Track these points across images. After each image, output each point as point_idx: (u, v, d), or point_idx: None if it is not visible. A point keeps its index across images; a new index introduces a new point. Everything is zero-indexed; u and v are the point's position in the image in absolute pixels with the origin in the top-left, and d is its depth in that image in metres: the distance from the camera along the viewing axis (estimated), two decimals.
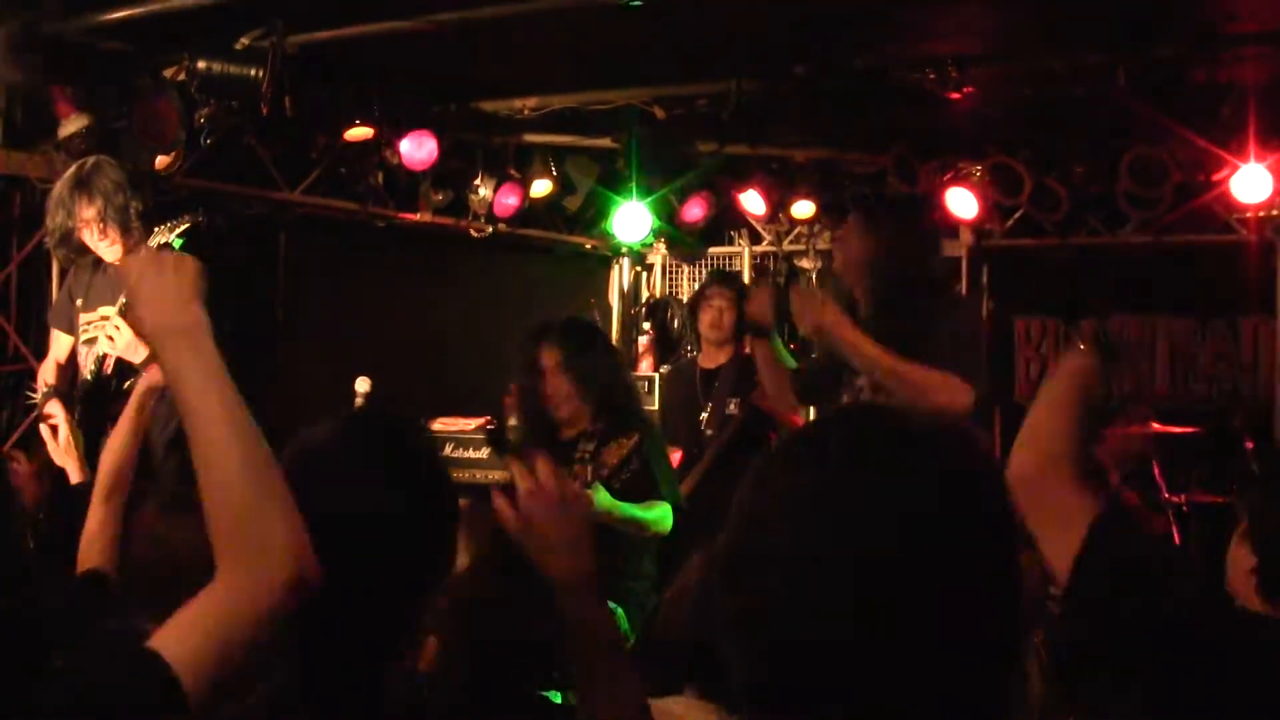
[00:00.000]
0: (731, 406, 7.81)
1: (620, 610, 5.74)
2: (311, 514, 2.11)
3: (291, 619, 2.25)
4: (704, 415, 7.93)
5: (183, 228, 6.04)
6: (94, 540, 4.24)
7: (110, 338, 6.08)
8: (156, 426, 5.91)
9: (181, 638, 1.96)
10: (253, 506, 2.06)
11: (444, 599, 3.03)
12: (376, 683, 2.34)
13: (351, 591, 2.26)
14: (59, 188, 6.31)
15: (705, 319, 8.09)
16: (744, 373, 7.87)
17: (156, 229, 6.09)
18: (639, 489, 5.84)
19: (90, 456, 5.97)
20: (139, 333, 2.29)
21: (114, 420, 5.66)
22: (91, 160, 6.28)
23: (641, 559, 6.18)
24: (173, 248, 6.06)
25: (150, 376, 5.11)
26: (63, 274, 7.11)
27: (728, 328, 8.06)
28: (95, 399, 6.15)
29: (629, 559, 6.09)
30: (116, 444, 4.59)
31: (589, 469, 5.64)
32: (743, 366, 7.94)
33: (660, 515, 6.00)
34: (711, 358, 8.13)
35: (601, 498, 5.57)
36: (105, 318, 6.15)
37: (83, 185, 6.18)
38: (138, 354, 6.00)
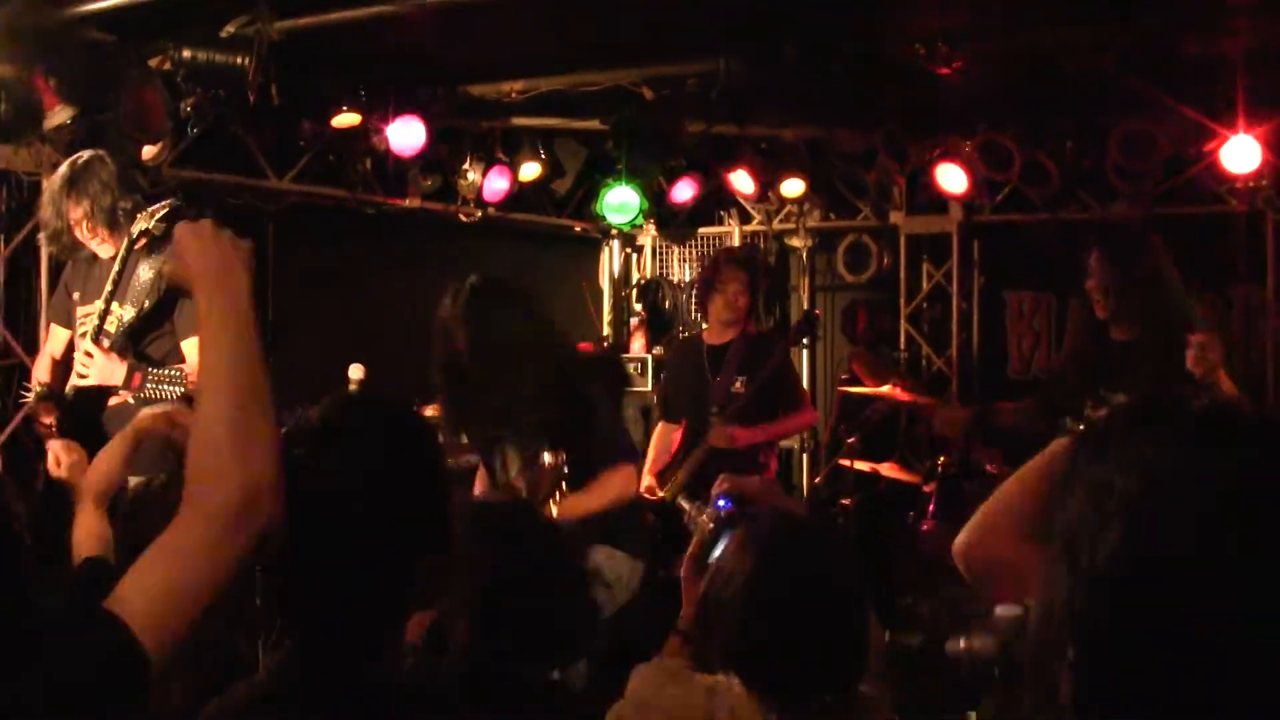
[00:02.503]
0: (738, 384, 7.75)
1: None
2: (309, 490, 2.12)
3: (293, 594, 2.26)
4: (711, 392, 7.88)
5: (162, 212, 6.03)
6: (87, 543, 4.21)
7: (85, 361, 6.08)
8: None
9: (140, 592, 1.95)
10: (225, 437, 2.07)
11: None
12: (377, 656, 2.35)
13: (350, 566, 2.28)
14: (51, 185, 6.30)
15: (719, 300, 7.98)
16: (751, 351, 7.84)
17: (139, 216, 6.09)
18: (584, 472, 5.77)
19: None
20: (179, 277, 2.35)
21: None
22: (84, 157, 6.25)
23: (623, 514, 6.03)
24: (154, 234, 6.07)
25: (151, 416, 5.09)
26: (52, 267, 7.09)
27: (742, 309, 7.98)
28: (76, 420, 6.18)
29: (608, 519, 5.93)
30: (111, 463, 4.56)
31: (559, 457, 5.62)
32: (750, 344, 7.90)
33: (619, 486, 5.89)
34: (718, 334, 8.04)
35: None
36: (98, 310, 6.16)
37: (72, 184, 6.17)
38: (114, 378, 6.00)
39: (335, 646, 2.33)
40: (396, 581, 2.37)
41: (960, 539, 2.62)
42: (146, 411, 4.96)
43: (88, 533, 4.21)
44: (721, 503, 3.49)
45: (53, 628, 1.92)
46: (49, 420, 6.19)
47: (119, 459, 4.56)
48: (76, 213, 6.16)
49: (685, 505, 3.58)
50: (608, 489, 5.85)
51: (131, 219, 6.12)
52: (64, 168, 6.26)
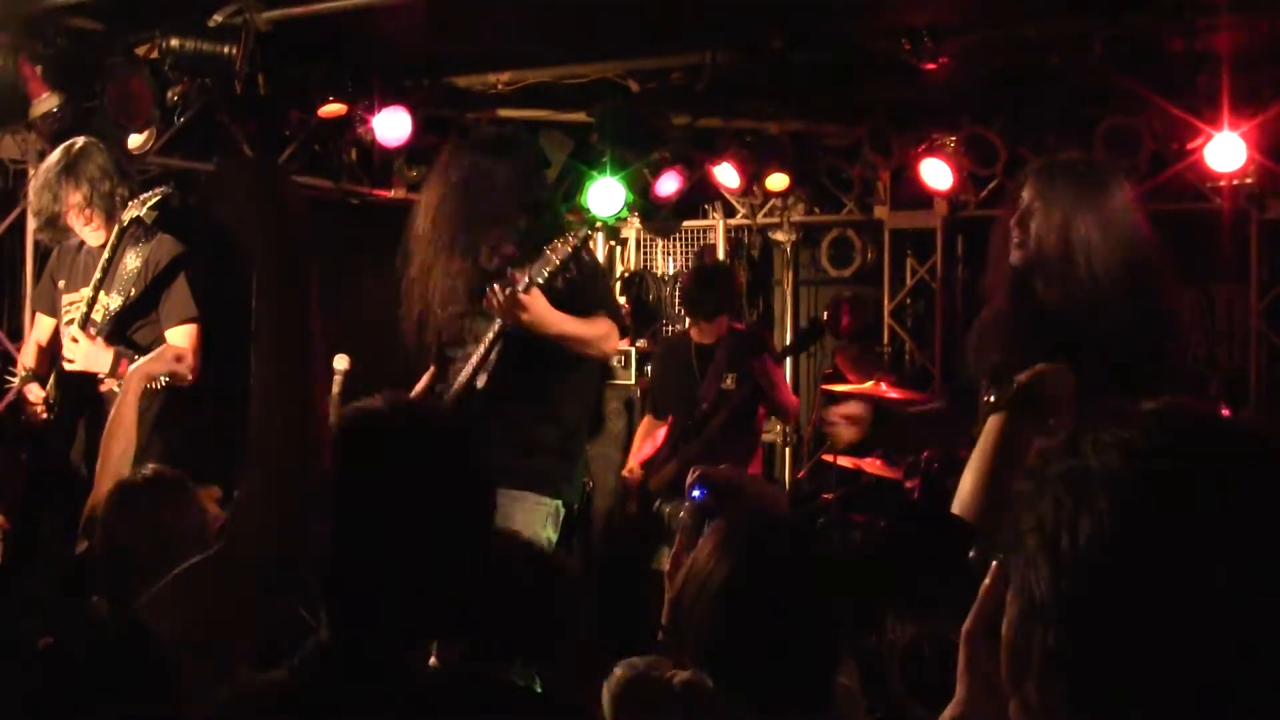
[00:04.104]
0: (728, 381, 7.82)
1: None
2: (353, 493, 2.12)
3: (329, 588, 2.26)
4: (700, 389, 7.91)
5: (154, 200, 6.03)
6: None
7: (72, 347, 6.08)
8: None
9: (169, 603, 1.92)
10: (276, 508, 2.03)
11: None
12: (410, 658, 2.35)
13: (388, 567, 2.28)
14: (46, 170, 6.27)
15: (694, 332, 8.14)
16: (739, 347, 7.90)
17: (129, 203, 6.09)
18: (581, 297, 5.60)
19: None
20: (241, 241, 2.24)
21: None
22: (80, 143, 6.24)
23: (562, 403, 5.86)
24: (145, 222, 6.06)
25: (143, 367, 5.09)
26: (38, 254, 7.08)
27: (721, 328, 8.18)
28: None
29: (546, 400, 5.78)
30: (122, 429, 4.58)
31: (527, 271, 5.43)
32: (737, 341, 7.98)
33: (605, 332, 5.68)
34: (705, 334, 8.14)
35: (538, 303, 5.39)
36: (85, 298, 6.15)
37: (70, 169, 6.15)
38: (100, 364, 6.00)
39: (376, 644, 2.33)
40: (430, 583, 2.37)
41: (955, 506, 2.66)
42: (136, 370, 4.97)
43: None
44: (696, 493, 3.49)
45: (75, 637, 1.91)
46: (36, 402, 6.20)
47: (131, 433, 4.60)
48: (75, 197, 6.15)
49: (667, 510, 3.56)
50: (594, 326, 5.64)
51: (125, 206, 6.11)
52: (58, 153, 6.24)
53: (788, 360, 10.61)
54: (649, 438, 8.12)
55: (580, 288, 5.59)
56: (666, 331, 10.68)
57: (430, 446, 2.41)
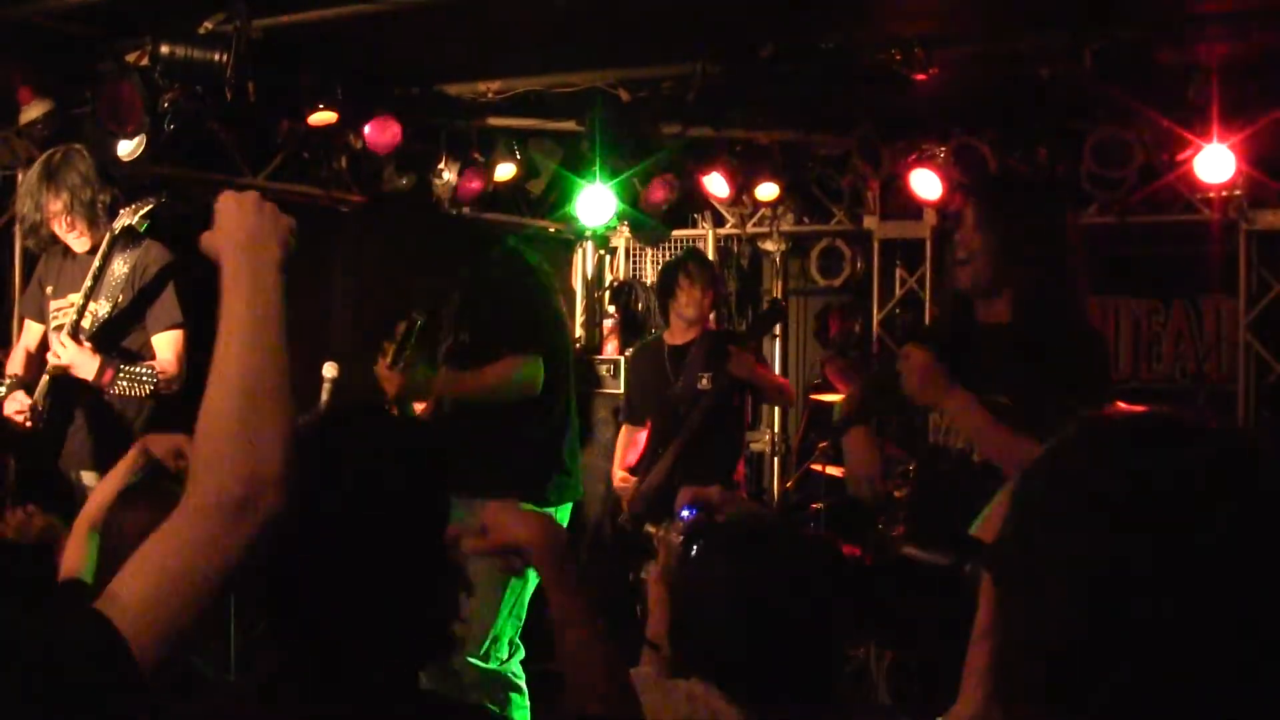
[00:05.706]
0: (704, 381, 7.78)
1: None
2: (309, 503, 2.10)
3: (291, 601, 2.24)
4: (675, 391, 7.88)
5: (146, 209, 6.02)
6: (71, 566, 4.23)
7: (60, 350, 6.07)
8: None
9: (132, 590, 1.90)
10: (230, 427, 2.02)
11: None
12: (372, 673, 2.33)
13: (345, 582, 2.27)
14: (29, 177, 6.28)
15: (681, 298, 8.03)
16: (714, 348, 7.87)
17: (121, 211, 6.08)
18: (487, 343, 5.78)
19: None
20: (210, 246, 2.27)
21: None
22: (61, 151, 6.25)
23: (523, 423, 5.99)
24: (136, 230, 6.05)
25: (148, 444, 5.07)
26: (26, 259, 7.06)
27: (705, 307, 8.12)
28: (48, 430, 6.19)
29: (505, 423, 5.91)
30: (109, 489, 4.56)
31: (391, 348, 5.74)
32: (712, 342, 7.95)
33: (504, 374, 5.80)
34: (680, 334, 8.09)
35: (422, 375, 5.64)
36: (74, 305, 6.14)
37: (51, 177, 6.16)
38: (86, 370, 5.98)
39: (327, 657, 2.31)
40: (388, 596, 2.35)
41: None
42: (151, 437, 4.96)
43: (73, 555, 4.23)
44: (686, 513, 3.49)
45: (35, 629, 1.88)
46: (22, 409, 6.18)
47: (116, 486, 4.57)
48: (56, 205, 6.15)
49: (651, 529, 3.55)
50: (485, 375, 5.82)
51: (110, 213, 6.11)
52: (41, 161, 6.25)
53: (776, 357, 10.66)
54: (630, 445, 8.11)
55: (482, 335, 5.86)
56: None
57: (383, 456, 2.41)
